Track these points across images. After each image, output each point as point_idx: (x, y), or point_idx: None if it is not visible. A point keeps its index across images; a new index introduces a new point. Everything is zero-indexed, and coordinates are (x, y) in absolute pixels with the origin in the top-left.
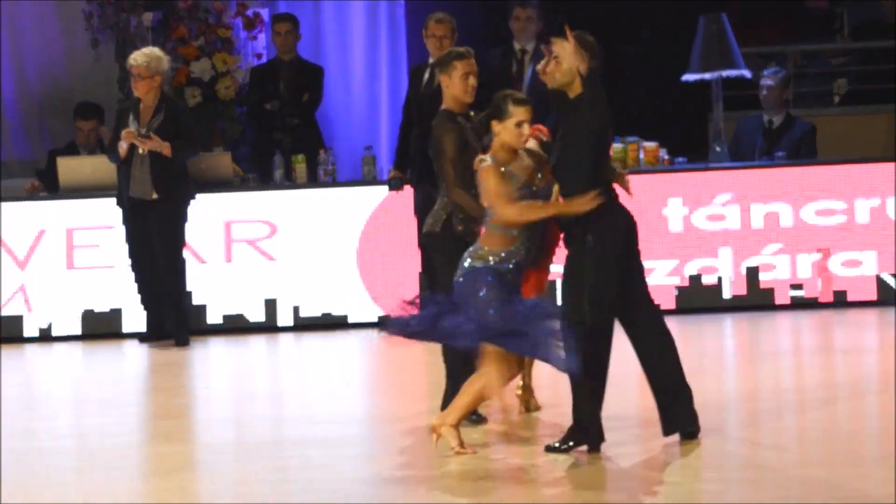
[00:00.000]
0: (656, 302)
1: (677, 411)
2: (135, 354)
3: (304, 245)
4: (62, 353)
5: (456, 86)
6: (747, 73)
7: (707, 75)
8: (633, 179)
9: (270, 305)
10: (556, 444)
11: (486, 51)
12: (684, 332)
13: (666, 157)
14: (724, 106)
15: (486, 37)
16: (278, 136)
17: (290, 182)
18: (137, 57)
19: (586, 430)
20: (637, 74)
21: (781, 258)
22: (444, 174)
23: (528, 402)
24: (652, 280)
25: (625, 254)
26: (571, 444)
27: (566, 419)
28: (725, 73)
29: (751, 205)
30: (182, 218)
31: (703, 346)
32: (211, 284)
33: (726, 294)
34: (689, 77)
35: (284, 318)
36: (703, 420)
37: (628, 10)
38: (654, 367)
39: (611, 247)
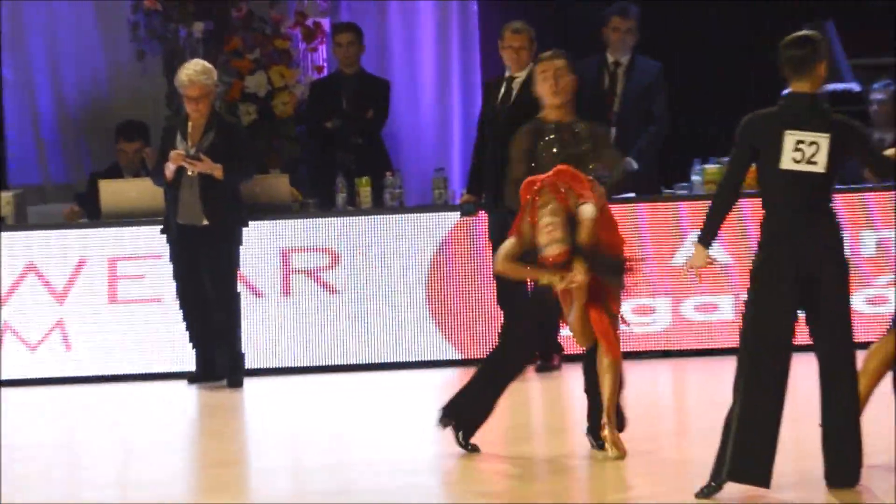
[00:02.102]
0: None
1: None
2: (184, 396)
3: (369, 276)
4: (104, 396)
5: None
6: (855, 87)
7: None
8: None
9: (332, 342)
10: (709, 485)
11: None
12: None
13: None
14: None
15: (569, 48)
16: (340, 156)
17: (353, 207)
18: (193, 76)
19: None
20: (732, 89)
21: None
22: None
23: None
24: (724, 315)
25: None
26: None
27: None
28: (831, 86)
29: (860, 232)
30: (235, 246)
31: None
32: (267, 319)
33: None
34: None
35: (348, 356)
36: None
37: (721, 22)
38: (826, 407)
39: (767, 270)
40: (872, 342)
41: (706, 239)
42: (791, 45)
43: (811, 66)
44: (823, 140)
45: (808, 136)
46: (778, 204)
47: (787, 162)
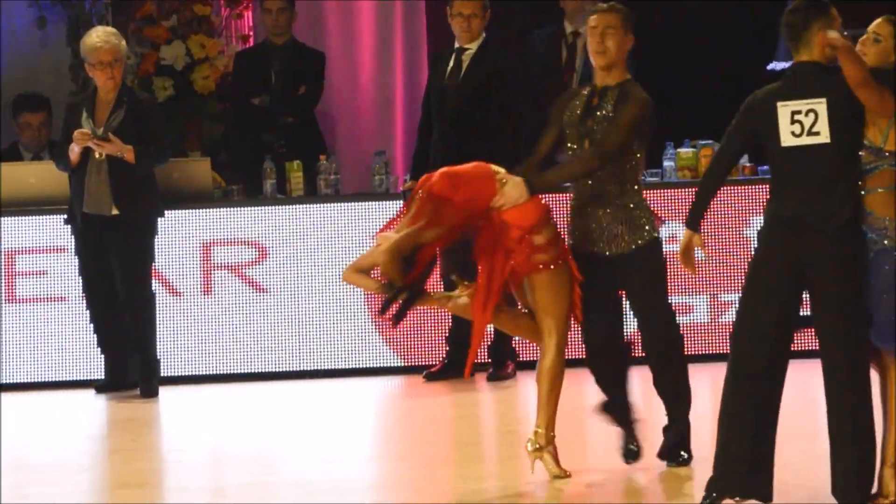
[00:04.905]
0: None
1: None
2: (90, 407)
3: (301, 273)
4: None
5: None
6: None
7: None
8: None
9: (259, 347)
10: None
11: (528, 34)
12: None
13: (747, 164)
14: None
15: (528, 18)
16: (268, 138)
17: (283, 195)
18: (104, 36)
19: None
20: (709, 64)
21: None
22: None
23: None
24: (698, 318)
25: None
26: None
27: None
28: None
29: None
30: (149, 239)
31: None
32: (186, 321)
33: None
34: (777, 66)
35: (276, 362)
36: None
37: None
38: (832, 416)
39: (761, 270)
40: None
41: (692, 222)
42: (787, 13)
43: (804, 33)
44: (820, 105)
45: (802, 104)
46: (786, 188)
47: (787, 138)
